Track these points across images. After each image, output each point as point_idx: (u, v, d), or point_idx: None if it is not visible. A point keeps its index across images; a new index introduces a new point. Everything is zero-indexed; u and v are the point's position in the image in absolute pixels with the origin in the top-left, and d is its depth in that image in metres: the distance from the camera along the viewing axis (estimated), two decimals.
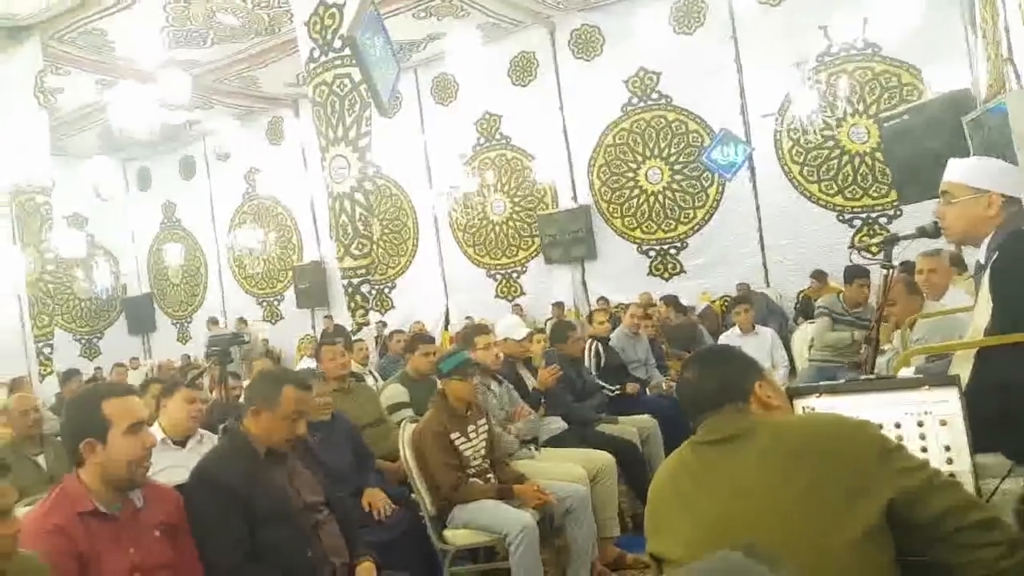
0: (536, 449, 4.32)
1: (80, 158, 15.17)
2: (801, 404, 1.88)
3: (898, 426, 1.75)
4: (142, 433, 2.04)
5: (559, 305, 11.89)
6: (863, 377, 2.14)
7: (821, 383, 1.88)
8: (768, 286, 10.62)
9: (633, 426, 4.95)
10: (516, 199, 13.01)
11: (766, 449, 1.44)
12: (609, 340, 6.00)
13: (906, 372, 2.30)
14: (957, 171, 2.17)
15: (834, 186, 10.33)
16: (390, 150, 13.38)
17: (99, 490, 2.03)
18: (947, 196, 2.16)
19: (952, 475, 1.66)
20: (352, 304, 7.37)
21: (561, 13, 11.98)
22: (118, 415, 2.01)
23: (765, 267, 10.87)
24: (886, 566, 1.31)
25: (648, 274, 11.84)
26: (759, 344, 6.09)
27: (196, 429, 3.61)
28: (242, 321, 15.09)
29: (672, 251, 11.73)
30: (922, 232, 2.30)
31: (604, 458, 4.11)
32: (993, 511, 1.33)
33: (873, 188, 10.05)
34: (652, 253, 11.89)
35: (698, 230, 11.49)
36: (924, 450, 1.72)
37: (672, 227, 11.68)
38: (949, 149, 5.33)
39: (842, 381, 1.90)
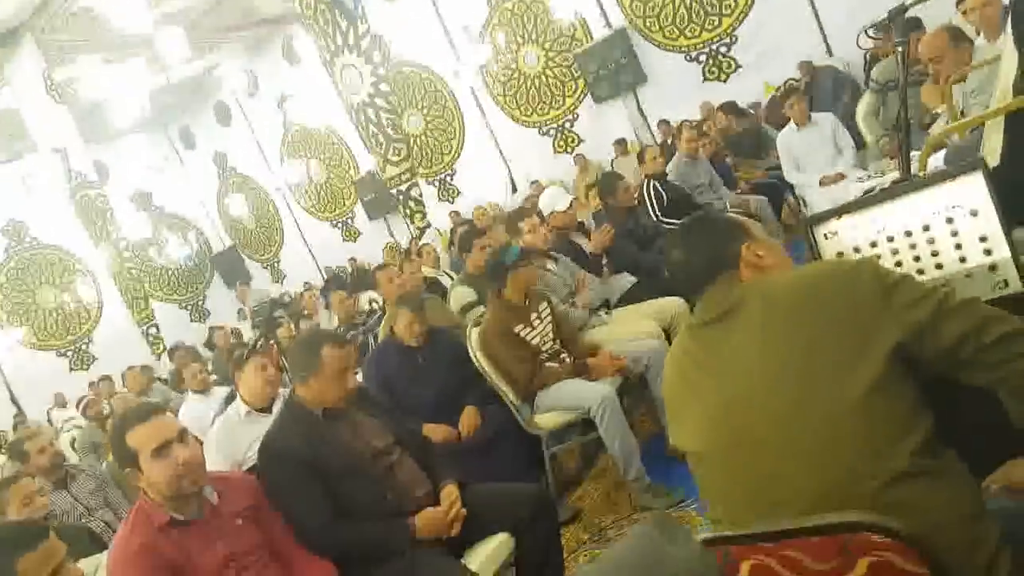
0: (608, 312, 4.23)
1: (122, 138, 15.40)
2: (822, 231, 1.72)
3: (927, 229, 1.56)
4: (170, 452, 2.04)
5: (621, 143, 11.43)
6: (873, 184, 1.89)
7: (836, 207, 1.68)
8: (832, 57, 9.78)
9: None
10: (547, 45, 12.33)
11: (760, 316, 1.32)
12: (666, 175, 5.70)
13: (936, 160, 2.03)
14: None
15: None
16: (408, 37, 12.87)
17: (167, 501, 2.08)
18: None
19: (993, 266, 1.52)
20: (407, 211, 7.32)
21: None
22: (141, 443, 2.03)
23: (825, 38, 9.97)
24: (908, 412, 1.21)
25: (703, 81, 11.13)
26: (819, 134, 5.61)
27: (277, 393, 3.65)
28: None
29: (723, 50, 10.93)
30: None
31: (675, 304, 3.98)
32: (1014, 321, 1.18)
33: None
34: (702, 58, 11.12)
35: (743, 19, 10.59)
36: (959, 247, 1.55)
37: (715, 23, 10.82)
38: None
39: (852, 200, 1.68)
